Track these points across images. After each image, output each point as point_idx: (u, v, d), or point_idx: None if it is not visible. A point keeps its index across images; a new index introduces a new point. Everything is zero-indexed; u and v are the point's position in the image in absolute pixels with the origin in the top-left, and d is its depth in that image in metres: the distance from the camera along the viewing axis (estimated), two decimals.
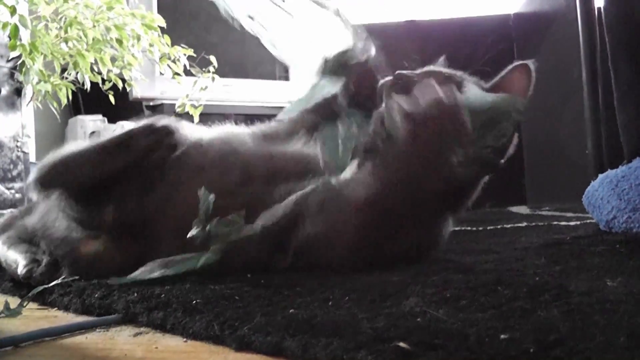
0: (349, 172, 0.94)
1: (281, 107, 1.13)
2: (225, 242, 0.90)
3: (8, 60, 2.10)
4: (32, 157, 2.06)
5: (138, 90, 2.67)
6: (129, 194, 1.02)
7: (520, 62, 0.93)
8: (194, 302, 0.75)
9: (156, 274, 0.90)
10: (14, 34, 1.83)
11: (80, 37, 2.05)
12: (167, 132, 1.03)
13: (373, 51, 1.04)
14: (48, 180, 1.04)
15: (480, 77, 0.99)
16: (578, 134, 2.42)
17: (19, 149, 2.03)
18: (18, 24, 1.82)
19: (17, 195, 2.09)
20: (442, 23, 2.75)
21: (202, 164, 1.04)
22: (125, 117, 2.70)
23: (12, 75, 2.12)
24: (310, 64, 1.05)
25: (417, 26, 2.57)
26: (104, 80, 2.19)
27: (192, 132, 1.10)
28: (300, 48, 1.08)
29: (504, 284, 0.76)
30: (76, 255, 1.03)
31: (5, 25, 1.83)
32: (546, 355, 0.47)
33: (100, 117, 2.74)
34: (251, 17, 1.11)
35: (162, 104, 2.80)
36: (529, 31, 2.77)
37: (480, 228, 1.60)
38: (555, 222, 1.66)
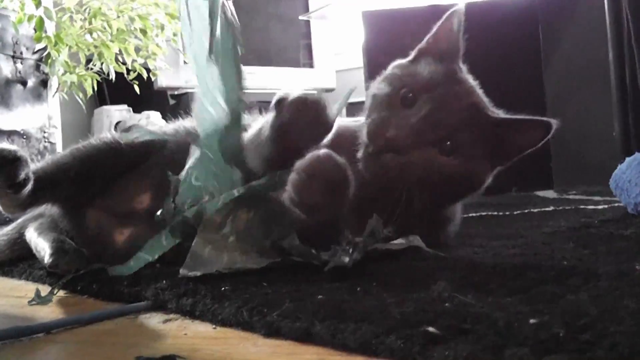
0: None
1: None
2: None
3: (34, 53, 2.12)
4: (58, 148, 2.08)
5: (163, 80, 2.69)
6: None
7: (546, 120, 0.98)
8: (223, 288, 0.75)
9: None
10: (40, 26, 1.85)
11: (105, 28, 2.06)
12: None
13: None
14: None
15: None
16: (605, 116, 2.39)
17: (46, 140, 2.05)
18: (43, 16, 1.84)
19: None
20: (465, 7, 2.70)
21: None
22: (151, 107, 2.72)
23: (38, 67, 2.14)
24: None
25: (440, 10, 2.53)
26: (128, 71, 2.21)
27: None
28: None
29: (532, 268, 0.76)
30: (112, 245, 1.05)
31: (30, 18, 1.85)
32: (575, 339, 0.47)
33: (125, 107, 2.75)
34: None
35: (186, 93, 2.81)
36: (555, 13, 2.73)
37: (507, 213, 1.59)
38: (582, 206, 1.64)
